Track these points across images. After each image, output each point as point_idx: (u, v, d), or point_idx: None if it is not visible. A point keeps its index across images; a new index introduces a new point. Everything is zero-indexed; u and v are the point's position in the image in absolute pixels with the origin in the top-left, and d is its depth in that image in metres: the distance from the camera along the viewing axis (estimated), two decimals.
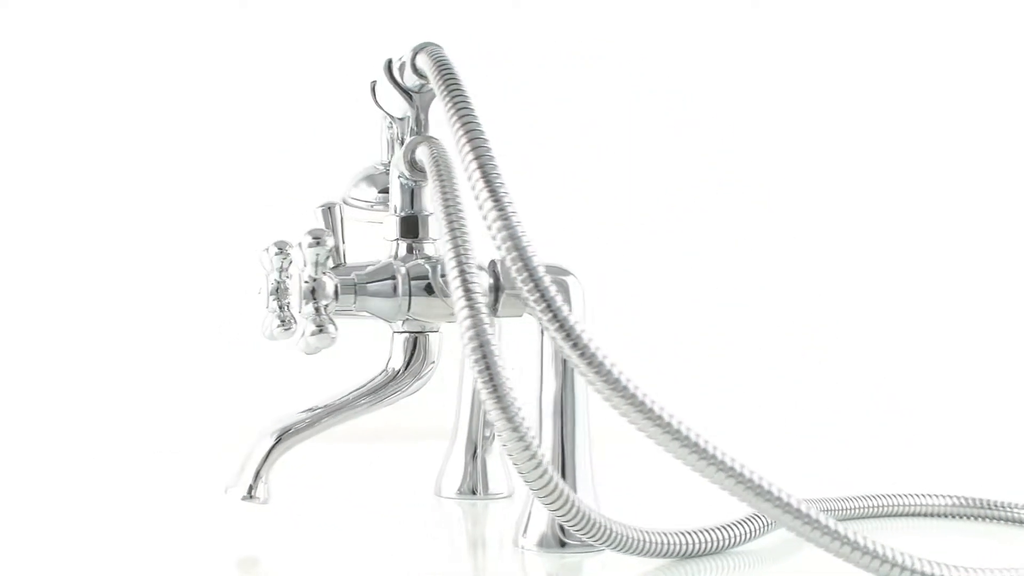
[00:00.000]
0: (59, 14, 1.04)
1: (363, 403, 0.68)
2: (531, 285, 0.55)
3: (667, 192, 1.11)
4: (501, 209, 0.56)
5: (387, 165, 0.73)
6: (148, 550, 0.66)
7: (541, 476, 0.54)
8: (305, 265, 0.65)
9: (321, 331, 0.64)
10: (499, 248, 0.56)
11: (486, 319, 0.55)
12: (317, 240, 0.65)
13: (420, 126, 0.67)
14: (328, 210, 0.68)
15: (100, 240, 1.04)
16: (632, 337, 1.10)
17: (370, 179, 0.74)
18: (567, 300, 0.64)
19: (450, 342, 0.70)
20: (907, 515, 0.71)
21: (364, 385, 0.68)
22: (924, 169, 1.13)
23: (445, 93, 0.58)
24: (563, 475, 0.63)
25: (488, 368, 0.54)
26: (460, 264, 0.56)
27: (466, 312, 0.55)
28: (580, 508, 0.56)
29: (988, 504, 0.71)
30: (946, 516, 0.72)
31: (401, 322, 0.68)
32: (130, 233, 1.04)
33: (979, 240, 1.12)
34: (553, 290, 0.55)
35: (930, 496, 0.72)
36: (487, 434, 0.77)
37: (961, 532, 0.70)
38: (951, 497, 0.72)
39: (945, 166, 1.13)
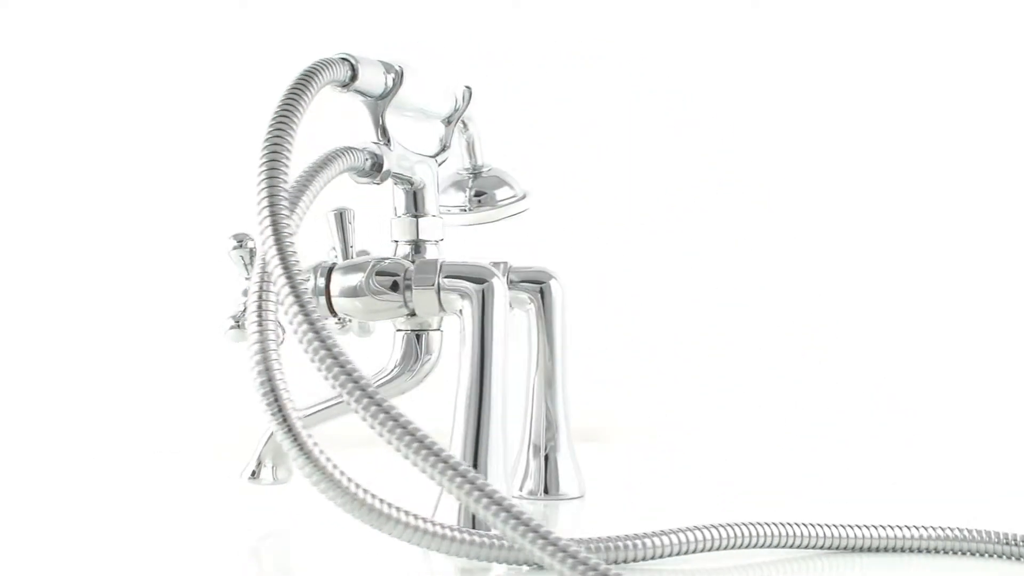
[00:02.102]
0: (59, 14, 1.04)
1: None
2: (295, 312, 0.54)
3: (667, 192, 1.11)
4: (275, 224, 0.55)
5: (469, 169, 0.77)
6: (148, 549, 0.66)
7: (342, 492, 0.54)
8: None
9: (237, 327, 0.68)
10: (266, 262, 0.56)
11: (273, 346, 0.55)
12: (240, 243, 0.67)
13: (377, 133, 0.67)
14: (339, 215, 0.70)
15: (103, 240, 1.04)
16: (632, 337, 1.10)
17: (457, 184, 0.77)
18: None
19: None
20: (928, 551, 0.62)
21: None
22: (924, 169, 1.13)
23: (273, 113, 0.58)
24: (475, 465, 0.62)
25: (275, 396, 0.54)
26: (260, 293, 0.56)
27: (256, 339, 0.55)
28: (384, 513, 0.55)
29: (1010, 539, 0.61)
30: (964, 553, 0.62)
31: (404, 319, 0.69)
32: (132, 233, 1.04)
33: (979, 240, 1.12)
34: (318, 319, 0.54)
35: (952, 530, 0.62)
36: (549, 436, 0.77)
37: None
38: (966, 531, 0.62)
39: (945, 166, 1.13)
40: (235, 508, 0.76)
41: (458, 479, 0.52)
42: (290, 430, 0.53)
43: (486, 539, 0.56)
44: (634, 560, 0.58)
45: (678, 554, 0.58)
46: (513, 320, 0.77)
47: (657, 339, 1.10)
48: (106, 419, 1.02)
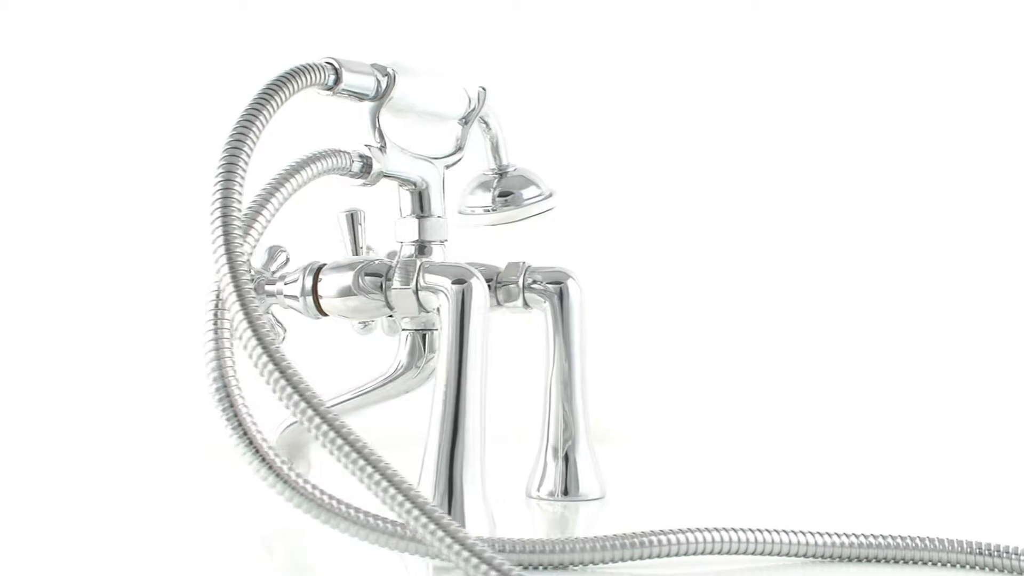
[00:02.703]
0: (60, 14, 1.04)
1: (369, 396, 0.71)
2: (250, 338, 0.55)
3: (667, 192, 1.11)
4: (228, 239, 0.56)
5: (495, 170, 0.77)
6: (162, 547, 0.65)
7: (290, 491, 0.55)
8: None
9: None
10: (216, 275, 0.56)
11: (229, 354, 0.56)
12: None
13: (373, 135, 0.67)
14: (350, 216, 0.71)
15: (101, 241, 1.04)
16: (632, 337, 1.10)
17: (484, 185, 0.78)
18: None
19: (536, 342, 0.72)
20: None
21: (372, 381, 0.72)
22: (924, 169, 1.13)
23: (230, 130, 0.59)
24: (451, 465, 0.62)
25: (229, 398, 0.55)
26: (216, 305, 0.57)
27: (211, 346, 0.56)
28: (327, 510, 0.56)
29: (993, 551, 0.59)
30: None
31: (409, 319, 0.69)
32: (130, 234, 1.04)
33: (979, 240, 1.12)
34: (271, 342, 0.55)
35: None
36: (566, 437, 0.77)
37: None
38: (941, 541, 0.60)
39: (945, 166, 1.13)
40: (246, 504, 0.75)
41: (384, 483, 0.53)
42: (244, 431, 0.55)
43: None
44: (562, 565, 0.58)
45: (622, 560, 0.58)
46: (495, 321, 0.76)
47: (657, 339, 1.10)
48: (107, 419, 1.02)
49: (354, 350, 0.85)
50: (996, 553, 0.59)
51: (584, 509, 0.74)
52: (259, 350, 0.54)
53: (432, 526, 0.52)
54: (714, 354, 1.11)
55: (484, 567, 0.50)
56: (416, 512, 0.52)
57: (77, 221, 1.04)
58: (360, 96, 0.66)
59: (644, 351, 1.10)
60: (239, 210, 0.56)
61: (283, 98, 0.60)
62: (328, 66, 0.62)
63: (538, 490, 0.76)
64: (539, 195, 0.77)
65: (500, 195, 0.77)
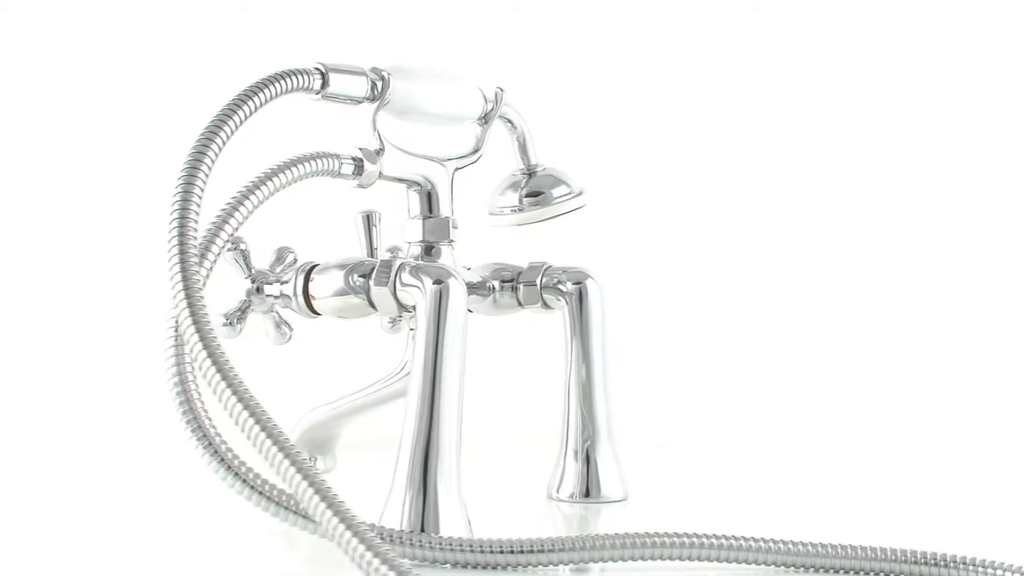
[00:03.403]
0: (59, 14, 1.04)
1: (374, 396, 0.71)
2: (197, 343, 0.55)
3: (668, 192, 1.11)
4: (183, 252, 0.56)
5: (523, 170, 0.78)
6: (182, 541, 0.65)
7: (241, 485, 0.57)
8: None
9: (229, 325, 0.70)
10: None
11: (189, 367, 0.57)
12: (234, 245, 0.70)
13: (373, 136, 0.67)
14: (366, 217, 0.71)
15: (101, 241, 1.04)
16: (631, 338, 1.10)
17: (513, 186, 0.78)
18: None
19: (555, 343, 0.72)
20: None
21: (377, 380, 0.73)
22: (924, 169, 1.13)
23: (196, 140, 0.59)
24: (425, 469, 0.61)
25: (186, 398, 0.56)
26: (176, 340, 0.57)
27: (171, 354, 0.57)
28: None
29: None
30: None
31: (415, 319, 0.69)
32: (129, 233, 1.04)
33: (979, 240, 1.13)
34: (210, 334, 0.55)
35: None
36: (585, 437, 0.76)
37: None
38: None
39: (945, 166, 1.13)
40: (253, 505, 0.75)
41: (298, 479, 0.52)
42: (198, 424, 0.56)
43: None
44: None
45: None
46: (470, 322, 0.76)
47: (657, 339, 1.10)
48: (106, 419, 1.02)
49: (358, 350, 0.85)
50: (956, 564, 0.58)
51: (605, 511, 0.74)
52: (213, 368, 0.54)
53: (335, 520, 0.51)
54: (740, 355, 1.11)
55: (376, 562, 0.49)
56: (322, 504, 0.51)
57: (77, 222, 1.04)
58: (356, 100, 0.65)
59: (670, 351, 1.10)
60: (195, 228, 0.56)
61: (254, 107, 0.59)
62: (315, 71, 0.62)
63: (558, 492, 0.76)
64: (568, 193, 0.77)
65: (528, 195, 0.77)
